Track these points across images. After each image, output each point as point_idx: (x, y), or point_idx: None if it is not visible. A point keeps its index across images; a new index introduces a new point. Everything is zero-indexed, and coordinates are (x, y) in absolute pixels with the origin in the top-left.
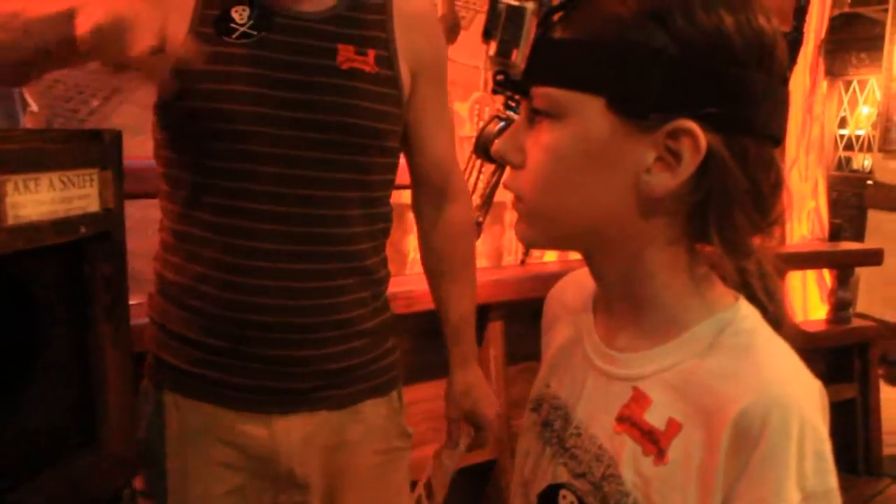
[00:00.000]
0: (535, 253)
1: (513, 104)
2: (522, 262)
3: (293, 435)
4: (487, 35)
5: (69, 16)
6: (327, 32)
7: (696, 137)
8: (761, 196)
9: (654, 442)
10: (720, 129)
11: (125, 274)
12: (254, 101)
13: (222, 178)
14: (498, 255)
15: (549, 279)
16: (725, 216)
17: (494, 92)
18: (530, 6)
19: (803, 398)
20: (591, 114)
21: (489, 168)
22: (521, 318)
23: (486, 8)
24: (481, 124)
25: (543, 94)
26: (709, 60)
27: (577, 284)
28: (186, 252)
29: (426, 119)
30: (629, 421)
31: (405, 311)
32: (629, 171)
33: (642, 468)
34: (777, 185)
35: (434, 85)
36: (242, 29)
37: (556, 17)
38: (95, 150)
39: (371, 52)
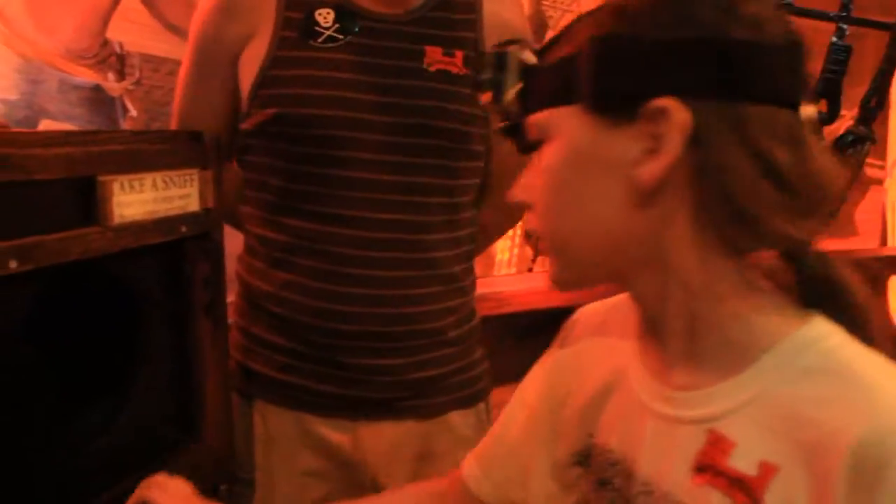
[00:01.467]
0: None
1: None
2: None
3: (379, 444)
4: (478, 87)
5: None
6: (413, 34)
7: (670, 112)
8: (779, 172)
9: (745, 491)
10: (705, 98)
11: (223, 273)
12: (341, 106)
13: (309, 182)
14: None
15: None
16: (736, 197)
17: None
18: (515, 49)
19: None
20: (572, 123)
21: None
22: None
23: (574, 7)
24: None
25: (532, 122)
26: (671, 32)
27: (607, 313)
28: (271, 257)
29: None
30: (711, 470)
31: (495, 313)
32: (621, 171)
33: None
34: (805, 158)
35: None
36: (328, 33)
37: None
38: (196, 150)
39: (459, 53)
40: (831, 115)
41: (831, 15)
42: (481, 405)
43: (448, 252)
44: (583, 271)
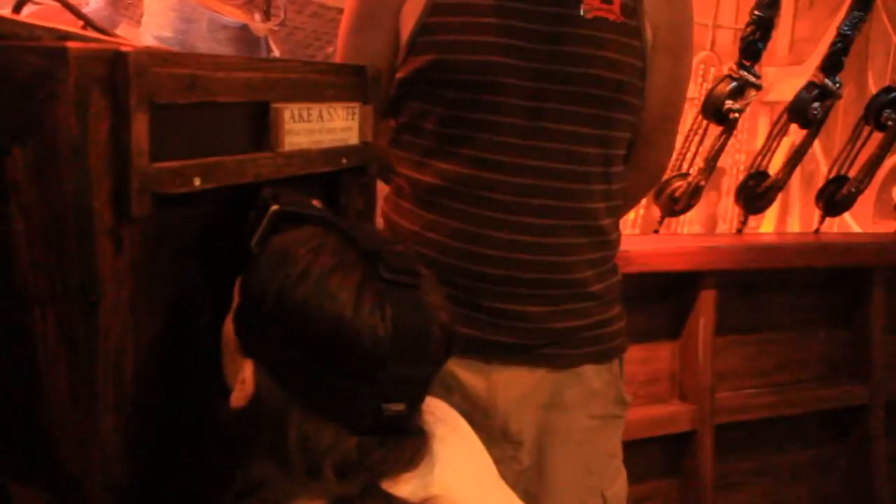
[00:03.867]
0: (752, 223)
1: (747, 63)
2: (739, 230)
3: (511, 389)
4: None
5: None
6: None
7: (246, 380)
8: (284, 454)
9: None
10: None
11: (375, 208)
12: (501, 52)
13: (463, 127)
14: (712, 222)
15: (766, 250)
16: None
17: None
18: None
19: None
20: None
21: (715, 130)
22: (733, 288)
23: None
24: (707, 85)
25: None
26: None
27: None
28: (420, 199)
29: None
30: None
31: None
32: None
33: None
34: (312, 458)
35: (666, 55)
36: None
37: None
38: (359, 84)
39: (616, 1)
40: None
41: None
42: (615, 361)
43: (601, 204)
44: None
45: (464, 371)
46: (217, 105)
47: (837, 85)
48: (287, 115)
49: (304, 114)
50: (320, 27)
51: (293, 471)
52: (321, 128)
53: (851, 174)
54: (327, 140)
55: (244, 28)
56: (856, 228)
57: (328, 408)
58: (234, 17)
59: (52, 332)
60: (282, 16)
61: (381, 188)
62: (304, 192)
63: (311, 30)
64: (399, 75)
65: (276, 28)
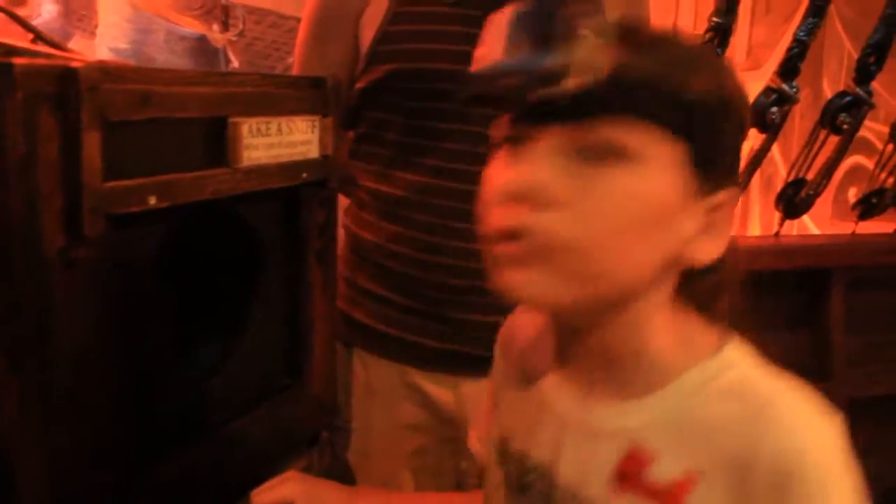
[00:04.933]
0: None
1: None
2: None
3: (481, 401)
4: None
5: None
6: None
7: (730, 202)
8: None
9: (666, 500)
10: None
11: (336, 221)
12: (453, 60)
13: (423, 136)
14: None
15: (727, 254)
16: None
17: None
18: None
19: (829, 440)
20: (670, 162)
21: (759, 137)
22: None
23: None
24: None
25: (619, 126)
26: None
27: (523, 328)
28: (382, 211)
29: None
30: (632, 479)
31: None
32: (675, 237)
33: None
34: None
35: None
36: None
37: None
38: (318, 97)
39: None
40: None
41: None
42: None
43: None
44: (580, 302)
45: (431, 385)
46: (173, 121)
47: (794, 89)
48: (245, 129)
49: (263, 128)
50: (279, 38)
51: None
52: (280, 142)
53: (809, 177)
54: (287, 154)
55: (202, 39)
56: (814, 230)
57: None
58: (192, 28)
59: (1, 361)
60: (240, 26)
61: (342, 200)
62: None
63: (270, 40)
64: (359, 85)
65: (234, 39)
